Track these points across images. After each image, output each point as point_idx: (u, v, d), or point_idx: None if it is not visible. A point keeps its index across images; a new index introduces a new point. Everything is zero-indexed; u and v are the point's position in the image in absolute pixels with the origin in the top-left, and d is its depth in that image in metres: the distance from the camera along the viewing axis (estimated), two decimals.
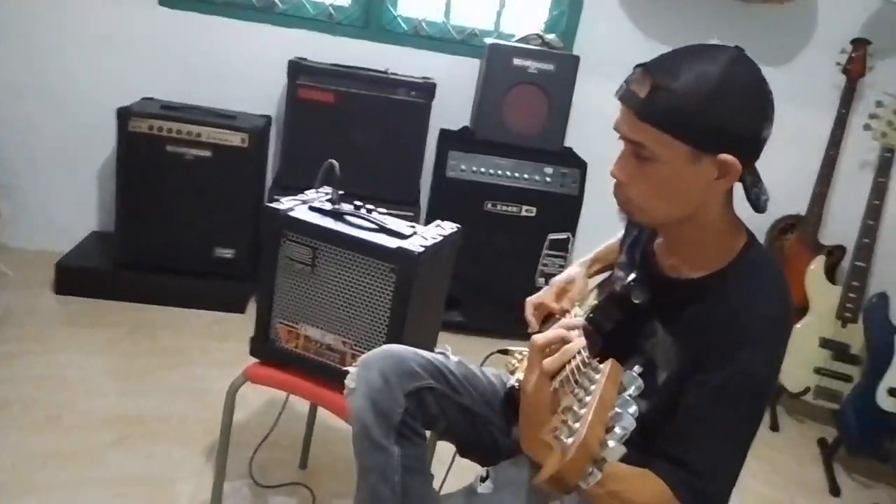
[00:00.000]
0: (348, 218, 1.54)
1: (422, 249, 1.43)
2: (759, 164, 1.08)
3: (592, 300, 1.40)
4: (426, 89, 2.68)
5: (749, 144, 1.02)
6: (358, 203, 1.60)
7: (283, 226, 1.52)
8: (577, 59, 2.71)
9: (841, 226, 2.87)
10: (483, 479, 1.20)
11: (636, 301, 1.10)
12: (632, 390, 0.83)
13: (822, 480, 2.40)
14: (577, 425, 0.79)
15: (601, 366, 0.92)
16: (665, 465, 0.99)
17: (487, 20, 3.03)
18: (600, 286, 1.43)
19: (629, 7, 2.94)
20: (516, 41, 2.79)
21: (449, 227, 1.61)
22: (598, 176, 2.71)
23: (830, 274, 2.73)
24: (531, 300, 1.47)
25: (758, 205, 1.07)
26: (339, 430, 1.87)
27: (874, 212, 2.59)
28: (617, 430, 0.77)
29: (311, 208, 1.56)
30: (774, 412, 2.71)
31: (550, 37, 2.80)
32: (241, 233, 2.67)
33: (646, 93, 0.99)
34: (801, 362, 2.61)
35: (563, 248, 2.79)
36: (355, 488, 1.21)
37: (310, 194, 1.64)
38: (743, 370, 0.99)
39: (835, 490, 2.37)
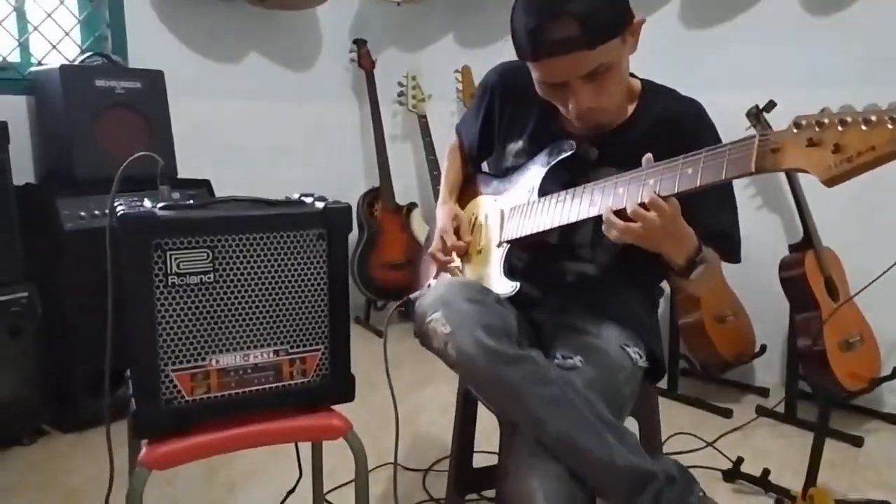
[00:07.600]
0: (217, 207, 1.22)
1: (345, 203, 1.26)
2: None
3: (496, 223, 1.38)
4: None
5: None
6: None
7: (158, 233, 1.11)
8: (161, 74, 2.49)
9: (408, 184, 3.45)
10: (566, 357, 1.15)
11: (592, 158, 1.27)
12: None
13: None
14: None
15: None
16: (711, 240, 1.16)
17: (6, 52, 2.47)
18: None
19: (167, 20, 2.84)
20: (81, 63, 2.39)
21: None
22: (220, 188, 2.59)
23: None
24: (436, 252, 1.41)
25: None
26: None
27: (434, 166, 3.23)
28: None
29: (166, 207, 1.17)
30: None
31: (116, 57, 2.49)
32: None
33: (577, 28, 1.06)
34: None
35: None
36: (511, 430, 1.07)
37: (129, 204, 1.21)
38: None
39: None
